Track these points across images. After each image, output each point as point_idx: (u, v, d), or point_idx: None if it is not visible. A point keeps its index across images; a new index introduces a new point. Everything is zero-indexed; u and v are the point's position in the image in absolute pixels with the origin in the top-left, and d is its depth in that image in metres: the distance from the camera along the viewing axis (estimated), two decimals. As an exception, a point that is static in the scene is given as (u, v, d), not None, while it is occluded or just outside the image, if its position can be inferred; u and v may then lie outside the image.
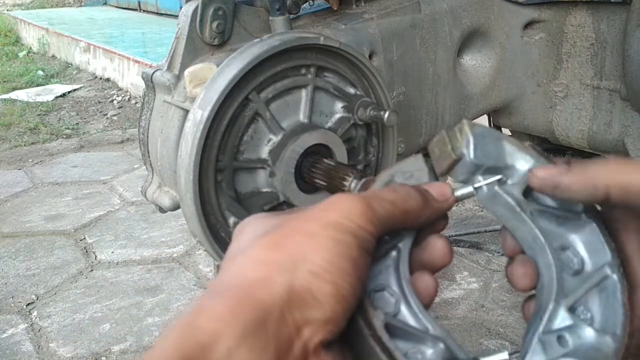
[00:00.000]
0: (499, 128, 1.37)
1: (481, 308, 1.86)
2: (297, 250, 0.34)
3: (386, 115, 0.75)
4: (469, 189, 0.43)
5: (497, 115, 1.22)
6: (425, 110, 1.00)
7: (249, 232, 0.38)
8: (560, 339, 0.39)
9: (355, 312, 0.35)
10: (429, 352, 0.37)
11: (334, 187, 0.69)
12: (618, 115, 1.03)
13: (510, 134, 1.38)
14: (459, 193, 0.42)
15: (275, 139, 0.71)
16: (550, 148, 1.31)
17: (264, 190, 0.72)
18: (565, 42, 1.06)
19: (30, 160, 3.31)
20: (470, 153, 0.42)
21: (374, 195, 0.38)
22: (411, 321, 0.38)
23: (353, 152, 0.80)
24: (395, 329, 0.37)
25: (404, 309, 0.39)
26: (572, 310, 0.40)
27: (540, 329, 0.39)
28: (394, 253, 0.40)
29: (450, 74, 1.02)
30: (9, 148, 3.49)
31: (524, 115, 1.16)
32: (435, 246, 0.41)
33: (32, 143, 3.58)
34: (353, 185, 0.66)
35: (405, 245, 0.41)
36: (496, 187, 0.43)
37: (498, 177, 0.43)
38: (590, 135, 1.08)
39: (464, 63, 1.08)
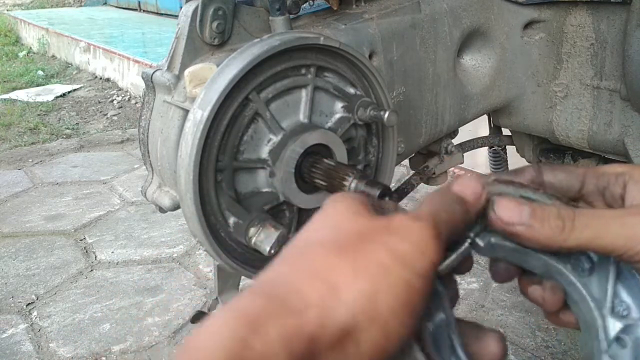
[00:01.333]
0: (499, 128, 1.38)
1: (481, 308, 1.86)
2: (364, 286, 0.31)
3: (386, 115, 0.75)
4: (508, 189, 0.42)
5: (497, 115, 1.22)
6: (425, 110, 1.00)
7: (334, 218, 0.35)
8: (619, 341, 0.40)
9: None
10: None
11: (334, 187, 0.69)
12: (618, 115, 1.03)
13: (510, 134, 1.38)
14: (496, 188, 0.42)
15: (275, 139, 0.71)
16: (550, 148, 1.31)
17: (264, 190, 0.72)
18: (565, 42, 1.06)
19: (30, 160, 3.31)
20: None
21: (436, 214, 0.36)
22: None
23: (353, 152, 0.80)
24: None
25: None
26: (613, 312, 0.41)
27: (605, 346, 0.40)
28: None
29: (450, 74, 1.02)
30: (9, 148, 3.49)
31: (524, 115, 1.16)
32: (488, 344, 0.39)
33: (32, 143, 3.58)
34: (353, 185, 0.66)
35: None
36: (492, 239, 0.42)
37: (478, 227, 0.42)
38: (590, 135, 1.08)
39: (464, 63, 1.08)
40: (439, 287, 0.37)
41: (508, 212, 0.40)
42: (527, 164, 1.40)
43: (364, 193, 0.61)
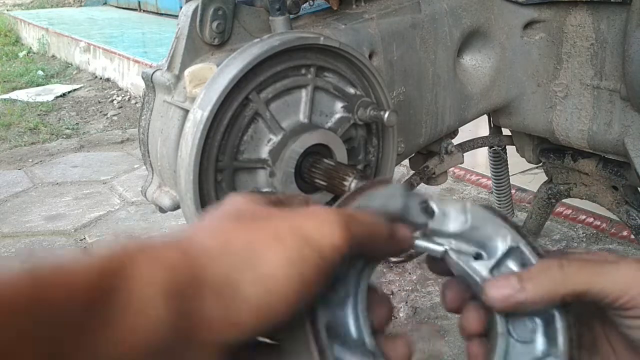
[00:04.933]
0: (499, 128, 1.38)
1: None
2: (257, 246, 0.32)
3: (386, 115, 0.75)
4: (436, 248, 0.43)
5: (497, 115, 1.22)
6: (425, 110, 1.00)
7: (229, 207, 0.37)
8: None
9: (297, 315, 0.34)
10: None
11: (334, 187, 0.69)
12: (618, 115, 1.03)
13: (510, 134, 1.38)
14: (421, 243, 0.43)
15: (275, 139, 0.71)
16: (550, 148, 1.31)
17: (264, 190, 0.72)
18: (565, 42, 1.06)
19: (30, 160, 3.31)
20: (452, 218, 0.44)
21: (353, 216, 0.37)
22: (352, 330, 0.39)
23: (353, 152, 0.80)
24: (336, 333, 0.37)
25: (350, 317, 0.39)
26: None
27: None
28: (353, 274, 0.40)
29: (450, 74, 1.02)
30: (9, 148, 3.49)
31: (524, 115, 1.16)
32: (397, 346, 0.40)
33: (32, 143, 3.58)
34: (353, 185, 0.66)
35: (366, 274, 0.40)
36: (467, 263, 0.43)
37: (473, 251, 0.43)
38: (590, 135, 1.08)
39: (464, 63, 1.08)
40: (353, 281, 0.39)
41: (498, 287, 0.41)
42: (528, 164, 1.40)
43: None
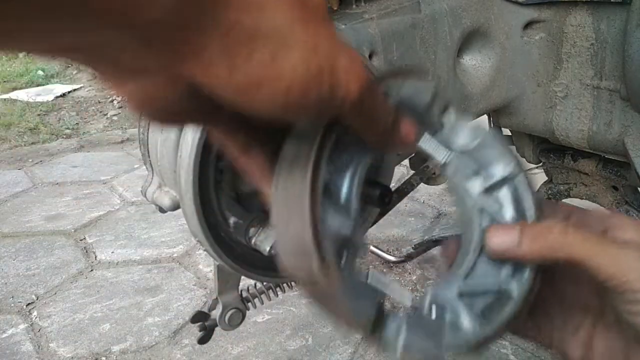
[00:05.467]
0: (499, 128, 1.38)
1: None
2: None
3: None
4: (439, 154, 0.44)
5: (497, 115, 1.22)
6: (425, 110, 1.00)
7: None
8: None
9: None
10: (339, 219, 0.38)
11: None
12: (618, 115, 1.03)
13: (510, 134, 1.38)
14: (425, 145, 0.43)
15: (275, 139, 0.71)
16: (551, 148, 1.31)
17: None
18: (565, 42, 1.06)
19: (30, 160, 3.31)
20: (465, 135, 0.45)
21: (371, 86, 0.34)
22: (343, 194, 0.40)
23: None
24: (329, 192, 0.38)
25: (344, 185, 0.40)
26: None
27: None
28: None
29: (450, 74, 1.02)
30: (9, 148, 3.49)
31: (524, 115, 1.16)
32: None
33: (32, 143, 3.58)
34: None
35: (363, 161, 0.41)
36: (462, 182, 0.44)
37: (472, 170, 0.44)
38: (590, 135, 1.08)
39: (464, 63, 1.08)
40: (356, 156, 0.40)
41: (499, 237, 0.42)
42: (528, 164, 1.40)
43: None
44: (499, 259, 0.43)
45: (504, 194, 0.44)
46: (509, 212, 0.44)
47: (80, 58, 0.27)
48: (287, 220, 0.34)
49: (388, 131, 0.37)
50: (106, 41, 0.24)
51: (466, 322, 0.42)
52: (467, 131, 0.44)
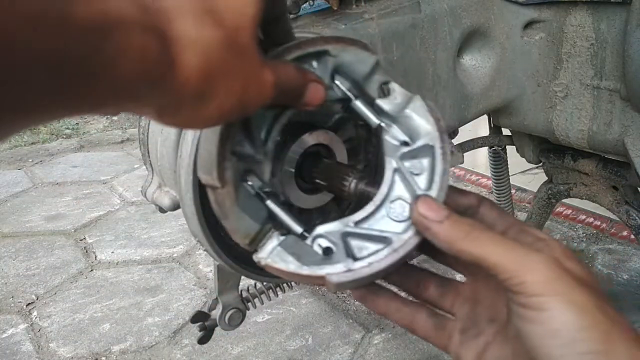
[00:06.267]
0: (499, 128, 1.37)
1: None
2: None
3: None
4: (373, 117, 0.51)
5: (497, 115, 1.22)
6: (425, 110, 1.00)
7: None
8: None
9: None
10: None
11: (334, 187, 0.68)
12: (618, 115, 1.03)
13: (510, 134, 1.38)
14: (362, 107, 0.51)
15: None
16: (551, 148, 1.31)
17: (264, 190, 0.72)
18: (565, 42, 1.06)
19: (30, 160, 3.31)
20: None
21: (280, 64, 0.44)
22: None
23: (353, 152, 0.80)
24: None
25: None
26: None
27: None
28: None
29: (450, 74, 1.02)
30: (9, 148, 3.49)
31: (524, 115, 1.16)
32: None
33: (32, 143, 3.58)
34: (353, 185, 0.66)
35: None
36: (390, 144, 0.51)
37: (402, 139, 0.50)
38: (590, 135, 1.08)
39: (464, 63, 1.08)
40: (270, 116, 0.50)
41: (428, 207, 0.43)
42: (528, 164, 1.40)
43: None
44: (403, 221, 0.45)
45: (424, 161, 0.47)
46: (421, 180, 0.47)
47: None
48: (205, 141, 0.45)
49: (298, 97, 0.45)
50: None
51: (338, 256, 0.45)
52: (401, 99, 0.50)
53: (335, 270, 0.43)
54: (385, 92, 0.51)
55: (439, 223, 0.42)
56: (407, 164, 0.47)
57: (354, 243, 0.46)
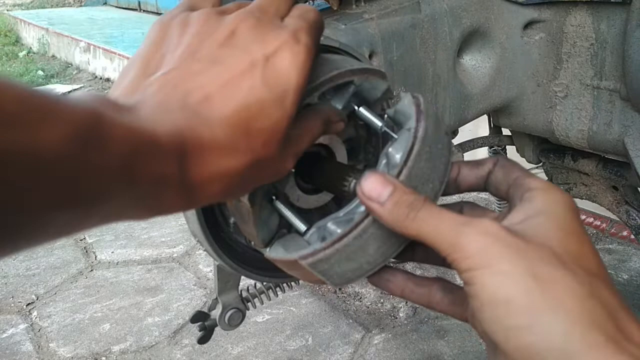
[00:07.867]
0: (499, 128, 1.37)
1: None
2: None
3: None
4: (377, 120, 0.54)
5: (497, 115, 1.22)
6: (425, 110, 1.00)
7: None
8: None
9: None
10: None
11: (334, 187, 0.69)
12: (618, 115, 1.03)
13: (510, 134, 1.38)
14: (366, 113, 0.56)
15: (275, 139, 0.71)
16: (551, 148, 1.31)
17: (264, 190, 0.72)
18: (565, 42, 1.06)
19: (30, 160, 3.31)
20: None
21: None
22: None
23: (353, 152, 0.80)
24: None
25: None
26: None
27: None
28: None
29: (450, 74, 1.02)
30: (9, 148, 3.49)
31: (524, 115, 1.16)
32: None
33: (32, 143, 3.58)
34: (353, 185, 0.66)
35: None
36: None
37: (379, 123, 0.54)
38: (590, 135, 1.08)
39: (464, 63, 1.08)
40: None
41: (371, 186, 0.42)
42: (528, 164, 1.40)
43: None
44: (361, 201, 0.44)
45: (400, 144, 0.48)
46: (395, 160, 0.47)
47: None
48: None
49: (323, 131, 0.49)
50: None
51: (313, 242, 0.48)
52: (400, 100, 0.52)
53: (304, 253, 0.44)
54: (389, 105, 0.55)
55: (380, 205, 0.41)
56: (390, 149, 0.48)
57: (331, 229, 0.48)
